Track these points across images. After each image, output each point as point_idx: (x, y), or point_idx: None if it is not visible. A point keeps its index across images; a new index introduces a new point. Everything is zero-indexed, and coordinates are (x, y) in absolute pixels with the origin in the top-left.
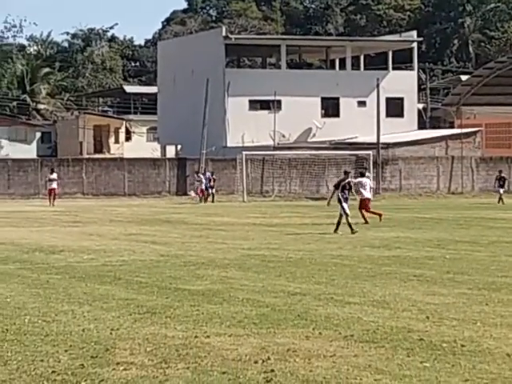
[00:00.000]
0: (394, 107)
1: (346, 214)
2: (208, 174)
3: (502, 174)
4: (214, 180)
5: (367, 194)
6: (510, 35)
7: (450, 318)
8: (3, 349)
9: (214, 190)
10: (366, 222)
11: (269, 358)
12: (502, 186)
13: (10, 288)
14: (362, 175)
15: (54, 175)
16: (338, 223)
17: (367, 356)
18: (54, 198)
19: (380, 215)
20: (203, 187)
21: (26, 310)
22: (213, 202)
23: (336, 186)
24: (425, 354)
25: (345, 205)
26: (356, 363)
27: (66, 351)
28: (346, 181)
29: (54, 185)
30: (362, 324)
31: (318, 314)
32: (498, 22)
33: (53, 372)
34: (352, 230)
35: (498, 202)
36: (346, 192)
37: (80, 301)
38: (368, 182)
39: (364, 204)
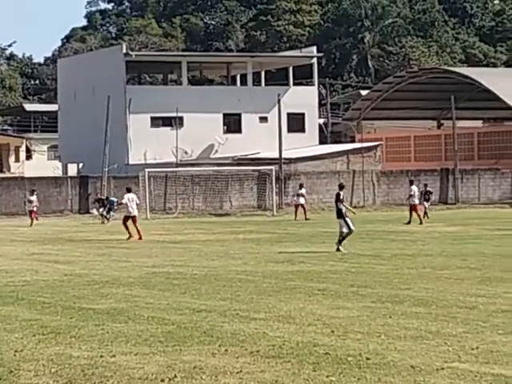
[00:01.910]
0: (296, 122)
1: (350, 230)
2: (112, 198)
3: (428, 188)
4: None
5: (135, 211)
6: (407, 50)
7: (355, 331)
8: None
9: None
10: (140, 238)
11: (175, 376)
12: (427, 200)
13: None
14: (129, 191)
15: None
16: (343, 238)
17: (274, 371)
18: None
19: (130, 236)
20: (34, 209)
21: None
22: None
23: (341, 201)
24: (331, 368)
25: (348, 220)
26: (263, 379)
27: None
28: (342, 195)
29: None
30: (268, 339)
31: (224, 330)
32: (396, 37)
33: None
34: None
35: (424, 217)
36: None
37: None
38: (135, 198)
39: (126, 220)
